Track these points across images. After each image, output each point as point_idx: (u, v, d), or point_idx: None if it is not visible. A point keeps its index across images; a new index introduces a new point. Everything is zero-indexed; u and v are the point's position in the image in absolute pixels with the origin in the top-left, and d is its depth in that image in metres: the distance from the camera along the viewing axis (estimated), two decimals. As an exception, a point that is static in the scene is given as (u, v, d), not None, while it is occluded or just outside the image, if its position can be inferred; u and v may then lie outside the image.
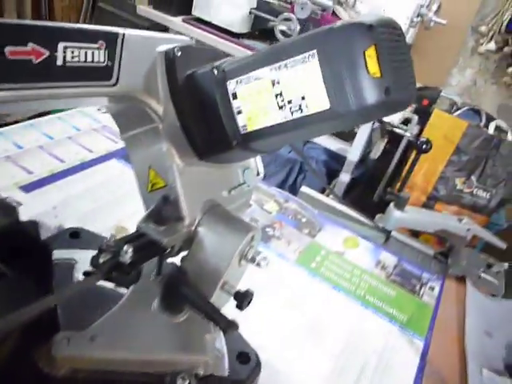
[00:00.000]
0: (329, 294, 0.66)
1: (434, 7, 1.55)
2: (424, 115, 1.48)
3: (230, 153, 0.41)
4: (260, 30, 1.77)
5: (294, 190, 1.73)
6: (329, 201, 1.05)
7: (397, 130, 1.50)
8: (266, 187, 0.87)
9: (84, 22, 2.47)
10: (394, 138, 1.58)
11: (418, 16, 1.56)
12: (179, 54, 0.41)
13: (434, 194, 1.46)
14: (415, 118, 1.48)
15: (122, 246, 0.38)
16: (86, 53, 0.34)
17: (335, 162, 1.83)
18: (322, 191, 1.84)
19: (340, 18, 1.54)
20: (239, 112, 0.39)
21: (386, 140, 1.60)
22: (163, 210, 0.43)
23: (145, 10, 1.84)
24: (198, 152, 0.42)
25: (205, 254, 0.45)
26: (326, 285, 0.67)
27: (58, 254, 0.49)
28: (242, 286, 0.47)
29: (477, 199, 1.44)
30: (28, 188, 0.68)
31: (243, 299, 0.44)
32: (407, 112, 1.53)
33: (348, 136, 1.66)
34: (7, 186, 0.68)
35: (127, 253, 0.38)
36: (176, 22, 1.78)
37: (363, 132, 1.56)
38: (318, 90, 0.35)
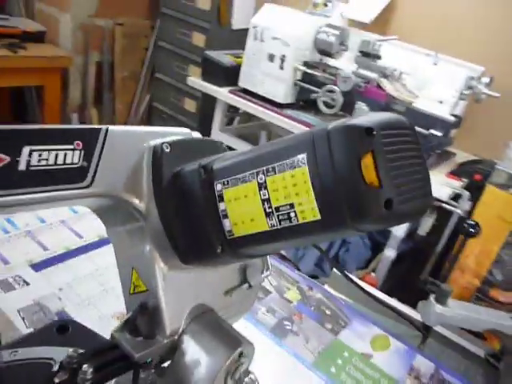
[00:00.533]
0: (348, 408, 0.57)
1: (485, 79, 1.49)
2: (476, 191, 1.38)
3: (215, 259, 0.37)
4: (304, 101, 1.77)
5: (336, 262, 1.64)
6: (364, 286, 0.97)
7: (446, 207, 1.40)
8: (289, 272, 0.81)
9: (141, 92, 2.63)
10: (443, 214, 1.47)
11: (468, 88, 1.50)
12: (168, 149, 0.38)
13: (489, 278, 1.31)
14: (466, 194, 1.38)
15: (84, 363, 0.34)
16: (56, 155, 0.32)
17: (381, 235, 1.73)
18: (366, 266, 1.74)
19: (384, 91, 1.52)
20: (225, 216, 0.35)
21: (434, 216, 1.49)
22: (141, 319, 0.39)
23: (194, 81, 1.92)
24: (181, 257, 0.38)
25: (186, 370, 0.39)
26: (346, 396, 0.59)
27: (38, 352, 0.45)
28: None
29: (540, 287, 1.28)
30: (39, 266, 0.67)
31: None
32: (458, 187, 1.44)
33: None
34: (19, 263, 0.67)
35: (86, 374, 0.33)
36: (223, 92, 1.84)
37: (409, 207, 1.46)
38: (308, 199, 0.31)
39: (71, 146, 0.32)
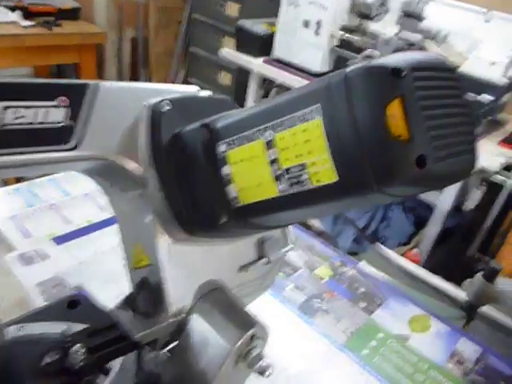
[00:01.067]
0: (382, 393, 0.52)
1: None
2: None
3: (222, 230, 0.33)
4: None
5: (375, 238, 1.57)
6: (405, 263, 0.91)
7: (497, 178, 1.29)
8: (321, 247, 0.76)
9: (177, 67, 2.60)
10: (494, 186, 1.36)
11: (524, 48, 1.36)
12: (168, 108, 0.34)
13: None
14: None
15: (77, 342, 0.31)
16: (36, 112, 0.28)
17: (425, 209, 1.63)
18: (409, 242, 1.65)
19: (429, 54, 1.39)
20: (229, 181, 0.31)
21: (484, 188, 1.38)
22: (143, 295, 0.35)
23: (228, 52, 1.86)
24: (185, 228, 0.34)
25: (193, 352, 0.36)
26: (379, 380, 0.54)
27: (45, 327, 0.43)
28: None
29: None
30: (60, 239, 0.65)
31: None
32: (510, 156, 1.32)
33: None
34: (41, 236, 0.66)
35: (76, 354, 0.30)
36: (256, 62, 1.77)
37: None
38: (322, 158, 0.26)
39: (54, 103, 0.29)
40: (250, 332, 0.35)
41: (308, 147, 0.26)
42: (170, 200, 0.33)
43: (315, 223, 1.59)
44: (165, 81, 2.63)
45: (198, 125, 0.32)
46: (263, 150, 0.28)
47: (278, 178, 0.28)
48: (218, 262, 0.39)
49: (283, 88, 2.22)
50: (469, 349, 0.62)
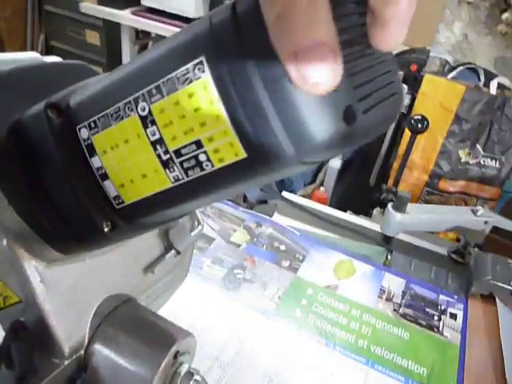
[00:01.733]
0: (321, 353, 0.50)
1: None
2: (414, 83, 1.30)
3: (106, 241, 0.25)
4: (219, 12, 1.57)
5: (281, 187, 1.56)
6: (314, 205, 0.89)
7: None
8: (231, 209, 0.70)
9: (33, 32, 2.27)
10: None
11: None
12: (-7, 87, 0.24)
13: (437, 171, 1.29)
14: (404, 87, 1.30)
15: None
16: None
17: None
18: (314, 180, 1.68)
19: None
20: (104, 176, 0.23)
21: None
22: (18, 344, 0.27)
23: (89, 6, 1.65)
24: (56, 247, 0.25)
25: (104, 393, 0.28)
26: (317, 341, 0.52)
27: None
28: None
29: (485, 170, 1.28)
30: None
31: None
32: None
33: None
34: None
35: None
36: (125, 15, 1.59)
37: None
38: (221, 129, 0.19)
39: None
40: (172, 350, 0.28)
41: (199, 118, 0.19)
42: (24, 214, 0.24)
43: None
44: (23, 49, 2.29)
45: (43, 106, 0.23)
46: (139, 130, 0.21)
47: (166, 165, 0.21)
48: (114, 269, 0.31)
49: (159, 39, 2.06)
50: (394, 283, 0.62)
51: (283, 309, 0.54)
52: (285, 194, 0.91)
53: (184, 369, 0.29)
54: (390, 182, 1.28)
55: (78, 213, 0.24)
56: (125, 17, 1.59)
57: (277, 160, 0.18)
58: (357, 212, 0.97)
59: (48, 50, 2.31)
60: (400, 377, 0.49)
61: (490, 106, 1.20)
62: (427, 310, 0.59)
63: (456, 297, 0.62)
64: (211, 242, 0.63)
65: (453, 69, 1.41)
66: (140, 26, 1.61)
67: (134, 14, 1.59)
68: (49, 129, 0.23)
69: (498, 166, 1.27)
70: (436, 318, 0.58)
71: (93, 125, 0.22)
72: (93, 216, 0.23)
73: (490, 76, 1.30)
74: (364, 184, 1.50)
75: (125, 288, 0.32)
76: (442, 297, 0.61)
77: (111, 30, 1.91)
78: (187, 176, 0.20)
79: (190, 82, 0.19)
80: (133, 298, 0.32)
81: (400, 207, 0.73)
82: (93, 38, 2.10)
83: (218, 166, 0.19)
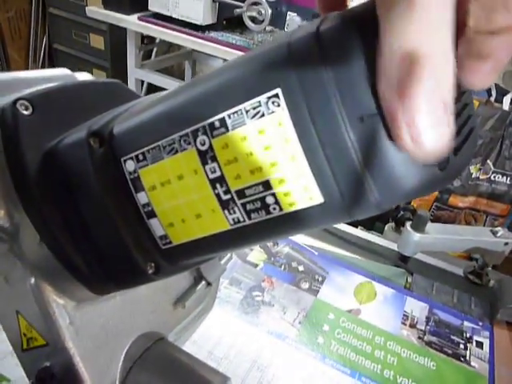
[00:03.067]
0: None
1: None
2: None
3: (146, 281, 0.23)
4: (227, 20, 1.56)
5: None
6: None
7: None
8: (247, 227, 0.68)
9: (36, 33, 2.24)
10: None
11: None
12: (26, 112, 0.21)
13: (447, 186, 1.27)
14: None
15: None
16: None
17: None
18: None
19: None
20: (150, 214, 0.20)
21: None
22: (45, 392, 0.24)
23: (95, 11, 1.63)
24: (90, 287, 0.23)
25: None
26: (341, 372, 0.49)
27: None
28: None
29: (496, 186, 1.26)
30: None
31: None
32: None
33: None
34: None
35: None
36: (131, 20, 1.57)
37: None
38: (296, 171, 0.17)
39: None
40: (210, 399, 0.26)
41: (270, 157, 0.17)
42: (57, 252, 0.22)
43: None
44: (25, 51, 2.26)
45: (84, 134, 0.21)
46: (196, 166, 0.18)
47: (226, 205, 0.18)
48: (144, 307, 0.29)
49: (163, 45, 2.04)
50: (416, 308, 0.60)
51: (305, 335, 0.52)
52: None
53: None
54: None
55: (118, 252, 0.21)
56: (131, 22, 1.57)
57: (357, 206, 0.16)
58: (366, 226, 0.95)
59: (51, 53, 2.28)
60: (429, 411, 0.47)
61: (502, 121, 1.18)
62: (452, 337, 0.56)
63: (481, 323, 0.59)
64: (227, 262, 0.60)
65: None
66: (146, 32, 1.58)
67: (140, 19, 1.56)
68: (90, 159, 0.20)
69: (508, 182, 1.25)
70: (462, 346, 0.55)
71: (141, 157, 0.20)
72: (135, 256, 0.21)
73: (501, 91, 1.29)
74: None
75: (155, 326, 0.29)
76: (466, 323, 0.59)
77: (116, 34, 1.89)
78: (249, 219, 0.18)
79: (262, 115, 0.16)
80: (164, 337, 0.29)
81: (419, 227, 0.71)
82: (97, 41, 2.08)
83: (287, 210, 0.17)
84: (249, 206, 0.18)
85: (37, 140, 0.21)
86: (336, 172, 0.15)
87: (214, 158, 0.18)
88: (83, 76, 0.27)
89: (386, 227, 1.03)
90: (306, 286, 0.59)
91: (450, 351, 0.54)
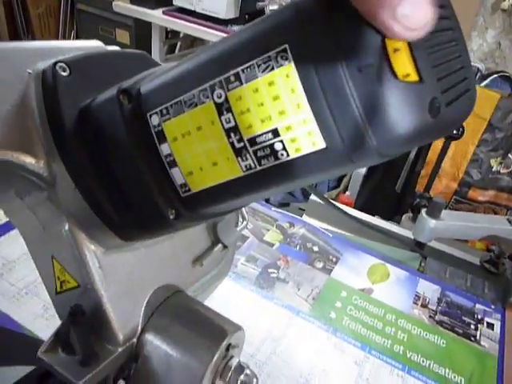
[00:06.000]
0: (357, 357, 0.49)
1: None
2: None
3: (168, 228, 0.25)
4: (250, 14, 1.58)
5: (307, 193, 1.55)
6: (343, 208, 0.88)
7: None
8: (264, 209, 0.70)
9: (65, 29, 2.31)
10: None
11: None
12: (66, 72, 0.24)
13: (467, 179, 1.26)
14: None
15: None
16: None
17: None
18: (338, 185, 1.67)
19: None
20: (172, 163, 0.23)
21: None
22: (77, 329, 0.27)
23: (121, 5, 1.67)
24: (118, 233, 0.25)
25: (154, 381, 0.28)
26: (352, 345, 0.51)
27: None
28: None
29: (517, 180, 1.25)
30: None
31: None
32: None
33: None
34: None
35: None
36: (156, 15, 1.61)
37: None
38: (301, 118, 0.19)
39: None
40: (225, 342, 0.28)
41: (278, 106, 0.19)
42: (90, 199, 0.24)
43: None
44: (53, 46, 2.33)
45: (114, 92, 0.23)
46: (213, 117, 0.21)
47: (239, 153, 0.20)
48: (166, 260, 0.31)
49: (187, 39, 2.08)
50: (429, 290, 0.61)
51: (317, 310, 0.54)
52: (313, 197, 0.90)
53: (234, 362, 0.29)
54: (418, 188, 1.26)
55: (143, 199, 0.24)
56: (156, 16, 1.61)
57: (357, 151, 0.18)
58: (384, 217, 0.96)
59: (78, 48, 2.34)
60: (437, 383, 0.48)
61: (524, 115, 1.17)
62: (464, 318, 0.57)
63: (493, 306, 0.60)
64: (245, 240, 0.63)
65: (484, 77, 1.38)
66: (171, 26, 1.62)
67: (165, 13, 1.60)
68: (120, 114, 0.23)
69: (530, 176, 1.24)
70: (473, 326, 0.56)
71: (164, 111, 0.22)
72: (158, 203, 0.23)
73: (524, 85, 1.28)
74: (389, 190, 1.48)
75: (175, 279, 0.32)
76: (478, 306, 0.60)
77: (142, 29, 1.94)
78: (260, 165, 0.20)
79: (272, 69, 0.18)
80: (182, 290, 0.32)
81: (434, 213, 0.72)
82: (123, 36, 2.13)
83: (293, 155, 0.19)
84: (259, 153, 0.20)
85: (73, 98, 0.24)
86: (337, 118, 0.18)
87: (229, 110, 0.20)
88: (113, 48, 0.30)
89: (404, 217, 1.04)
90: (320, 265, 0.61)
91: (460, 331, 0.55)
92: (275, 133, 0.19)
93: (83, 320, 0.26)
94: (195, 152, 0.22)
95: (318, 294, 0.56)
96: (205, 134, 0.21)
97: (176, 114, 0.22)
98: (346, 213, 0.81)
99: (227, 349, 0.29)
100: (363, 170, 1.51)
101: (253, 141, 0.20)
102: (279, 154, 0.19)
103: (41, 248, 0.28)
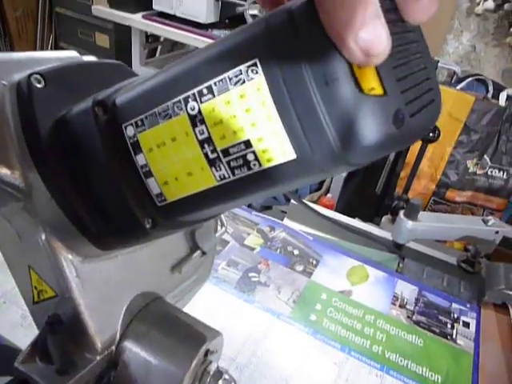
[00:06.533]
0: (336, 358, 0.50)
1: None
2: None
3: (145, 237, 0.25)
4: (230, 18, 1.58)
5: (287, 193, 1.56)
6: (324, 211, 0.89)
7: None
8: (245, 213, 0.71)
9: (43, 32, 2.28)
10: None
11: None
12: (41, 84, 0.24)
13: (445, 180, 1.29)
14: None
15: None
16: None
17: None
18: (319, 187, 1.68)
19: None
20: (148, 174, 0.23)
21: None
22: (54, 338, 0.27)
23: (100, 9, 1.66)
24: (95, 243, 0.26)
25: (135, 388, 0.29)
26: (332, 346, 0.52)
27: None
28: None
29: (492, 181, 1.28)
30: None
31: None
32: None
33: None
34: None
35: None
36: (136, 19, 1.60)
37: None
38: (272, 130, 0.19)
39: None
40: (203, 348, 0.29)
41: (250, 118, 0.19)
42: (66, 209, 0.25)
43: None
44: (32, 49, 2.30)
45: (90, 103, 0.24)
46: (187, 129, 0.21)
47: (213, 163, 0.21)
48: (144, 268, 0.31)
49: (168, 43, 2.07)
50: (406, 290, 0.62)
51: (298, 313, 0.55)
52: (293, 201, 0.91)
53: (213, 367, 0.29)
54: (398, 190, 1.29)
55: (120, 209, 0.24)
56: (136, 20, 1.60)
57: (326, 161, 0.19)
58: (364, 219, 0.97)
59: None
60: (414, 382, 0.49)
61: (498, 117, 1.20)
62: (440, 317, 0.59)
63: (468, 305, 0.62)
64: (225, 245, 0.63)
65: (460, 80, 1.41)
66: (151, 30, 1.62)
67: (145, 17, 1.60)
68: (95, 125, 0.23)
69: (505, 177, 1.27)
70: (449, 325, 0.58)
71: (139, 123, 0.22)
72: (135, 212, 0.24)
73: (498, 88, 1.31)
74: (370, 192, 1.51)
75: (153, 286, 0.32)
76: (454, 305, 0.61)
77: (122, 33, 1.92)
78: (234, 175, 0.21)
79: (243, 82, 0.19)
80: (162, 297, 0.32)
81: (411, 215, 0.73)
82: (103, 40, 2.11)
83: (265, 165, 0.20)
84: (233, 163, 0.20)
85: (48, 109, 0.24)
86: (306, 130, 0.18)
87: (203, 121, 0.20)
88: (89, 58, 0.30)
89: (383, 218, 1.06)
90: (300, 268, 0.62)
91: (437, 330, 0.57)
92: (247, 144, 0.20)
93: (61, 329, 0.26)
94: (170, 162, 0.22)
95: (299, 297, 0.57)
96: (179, 144, 0.22)
97: (151, 126, 0.22)
98: (324, 216, 0.83)
99: (206, 354, 0.29)
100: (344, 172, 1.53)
101: (226, 151, 0.20)
102: (251, 164, 0.20)
103: (17, 258, 0.28)
